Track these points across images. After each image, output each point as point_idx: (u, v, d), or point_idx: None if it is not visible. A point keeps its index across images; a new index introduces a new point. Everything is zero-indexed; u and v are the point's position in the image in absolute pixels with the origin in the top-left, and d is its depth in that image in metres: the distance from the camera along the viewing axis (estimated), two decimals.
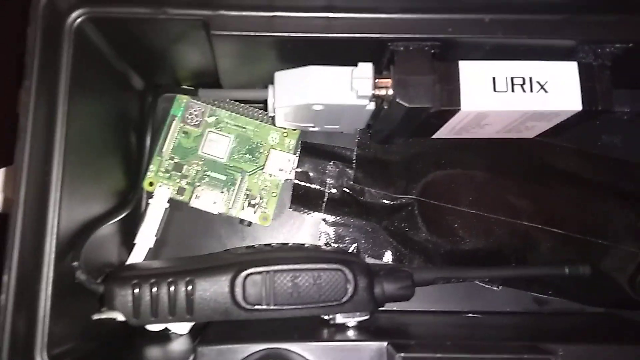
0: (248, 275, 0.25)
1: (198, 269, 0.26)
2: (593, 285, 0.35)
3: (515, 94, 0.27)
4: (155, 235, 0.34)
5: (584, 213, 0.36)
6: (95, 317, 0.25)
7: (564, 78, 0.27)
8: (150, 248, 0.34)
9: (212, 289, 0.25)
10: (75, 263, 0.26)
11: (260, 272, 0.25)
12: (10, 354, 0.22)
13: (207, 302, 0.25)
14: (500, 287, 0.36)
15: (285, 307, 0.25)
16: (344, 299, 0.26)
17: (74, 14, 0.26)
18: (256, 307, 0.25)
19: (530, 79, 0.27)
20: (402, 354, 0.22)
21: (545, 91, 0.27)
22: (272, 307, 0.25)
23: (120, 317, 0.25)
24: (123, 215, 0.32)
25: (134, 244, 0.33)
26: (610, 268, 0.35)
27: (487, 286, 0.36)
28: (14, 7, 0.38)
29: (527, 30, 0.27)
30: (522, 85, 0.27)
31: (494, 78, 0.27)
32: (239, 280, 0.25)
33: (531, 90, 0.27)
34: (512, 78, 0.27)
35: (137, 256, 0.33)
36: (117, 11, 0.26)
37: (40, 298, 0.24)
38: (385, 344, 0.24)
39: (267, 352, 0.23)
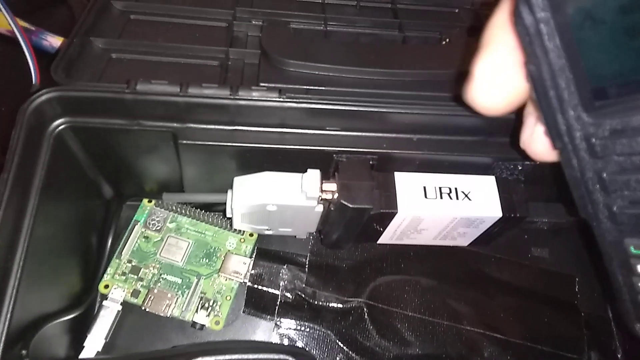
0: None
1: None
2: None
3: (443, 201, 0.31)
4: (105, 338, 0.34)
5: (522, 319, 0.38)
6: None
7: (485, 189, 0.32)
8: (98, 351, 0.33)
9: None
10: (23, 351, 0.26)
11: None
12: None
13: None
14: None
15: None
16: None
17: (57, 122, 0.29)
18: None
19: (456, 189, 0.32)
20: None
21: (469, 199, 0.31)
22: None
23: None
24: (74, 315, 0.33)
25: (83, 347, 0.33)
26: None
27: None
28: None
29: (449, 148, 0.32)
30: (449, 193, 0.31)
31: (424, 187, 0.31)
32: None
33: (457, 198, 0.31)
34: (440, 187, 0.31)
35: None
36: (96, 121, 0.30)
37: None
38: None
39: None
